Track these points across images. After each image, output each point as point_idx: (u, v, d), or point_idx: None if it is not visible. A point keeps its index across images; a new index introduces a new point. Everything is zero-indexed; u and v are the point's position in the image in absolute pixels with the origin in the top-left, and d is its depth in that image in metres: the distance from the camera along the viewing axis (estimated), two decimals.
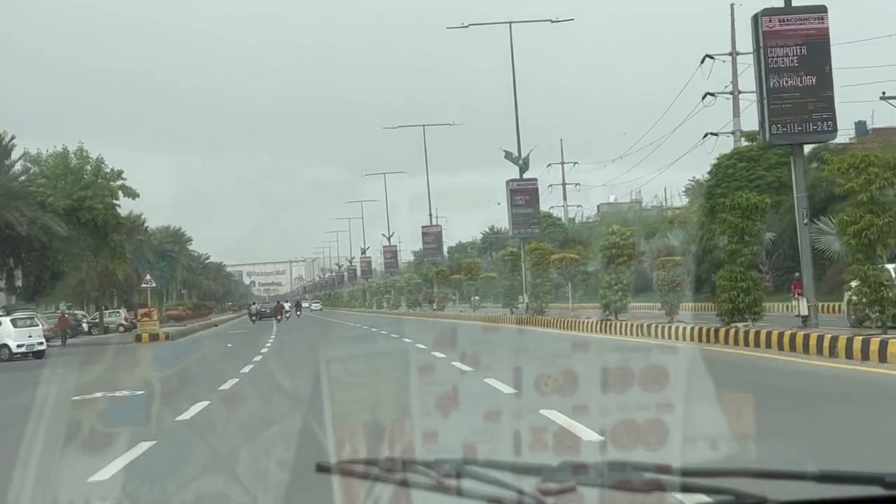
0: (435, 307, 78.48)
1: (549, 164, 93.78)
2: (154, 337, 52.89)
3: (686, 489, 2.47)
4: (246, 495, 6.84)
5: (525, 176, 57.94)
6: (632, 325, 32.85)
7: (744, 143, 62.18)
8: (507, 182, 57.92)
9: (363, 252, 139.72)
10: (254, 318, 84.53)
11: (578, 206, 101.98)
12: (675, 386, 4.76)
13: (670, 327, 29.45)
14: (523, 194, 57.89)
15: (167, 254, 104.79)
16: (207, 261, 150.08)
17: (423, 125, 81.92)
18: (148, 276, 60.70)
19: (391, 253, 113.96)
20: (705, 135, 63.52)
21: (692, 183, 76.81)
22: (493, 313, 59.32)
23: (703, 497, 2.44)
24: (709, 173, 61.97)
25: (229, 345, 41.92)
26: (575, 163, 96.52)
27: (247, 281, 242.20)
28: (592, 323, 36.97)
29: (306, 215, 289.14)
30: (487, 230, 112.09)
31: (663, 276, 33.63)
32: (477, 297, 75.28)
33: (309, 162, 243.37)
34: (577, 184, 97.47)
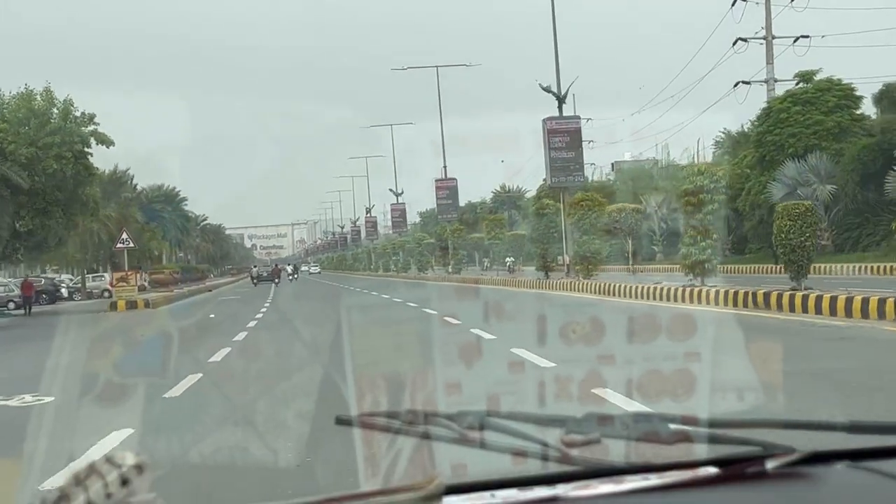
0: (450, 270, 70.80)
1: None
2: (132, 304, 46.81)
3: (713, 440, 2.44)
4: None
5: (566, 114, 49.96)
6: (743, 295, 25.00)
7: (789, 88, 57.39)
8: (544, 121, 49.15)
9: (368, 211, 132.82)
10: (255, 280, 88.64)
11: (592, 164, 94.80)
12: None
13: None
14: (563, 135, 49.30)
15: (158, 213, 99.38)
16: (205, 222, 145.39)
17: (437, 66, 76.80)
18: (125, 236, 52.85)
19: (399, 211, 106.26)
20: (736, 83, 58.72)
21: (723, 135, 73.72)
22: (525, 276, 52.38)
23: (730, 448, 2.41)
24: (757, 119, 57.67)
25: (212, 315, 36.16)
26: (588, 119, 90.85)
27: (248, 244, 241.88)
28: (673, 291, 29.44)
29: (310, 174, 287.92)
30: (499, 189, 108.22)
31: (788, 226, 25.18)
32: (511, 259, 68.54)
33: (313, 116, 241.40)
34: (589, 141, 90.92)
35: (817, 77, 56.48)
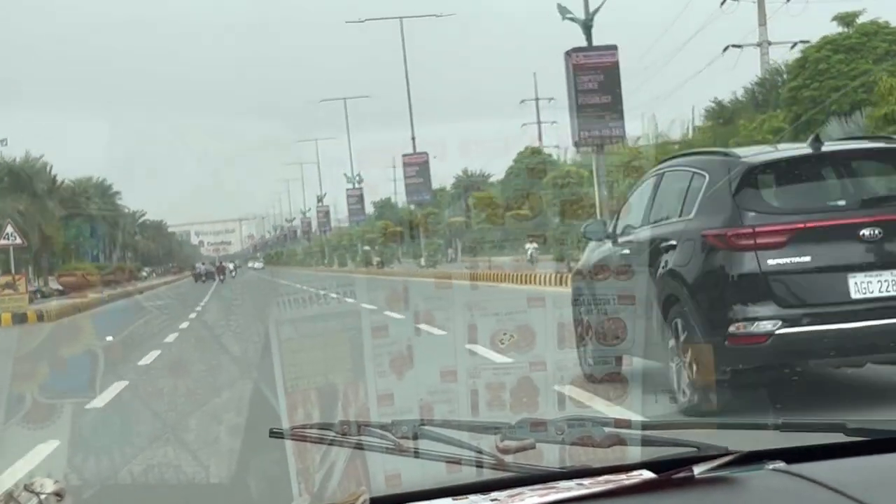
0: (423, 262, 57.73)
1: (523, 101, 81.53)
2: (20, 318, 35.84)
3: (646, 443, 2.45)
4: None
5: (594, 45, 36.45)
6: None
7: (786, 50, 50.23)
8: (567, 55, 36.35)
9: (320, 200, 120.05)
10: (202, 278, 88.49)
11: (556, 146, 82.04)
12: None
13: None
14: (595, 72, 36.29)
15: (82, 209, 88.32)
16: (143, 218, 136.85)
17: (400, 17, 65.28)
18: (9, 229, 41.58)
19: (356, 197, 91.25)
20: (726, 47, 52.42)
21: (713, 105, 65.57)
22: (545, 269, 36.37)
23: (664, 450, 2.42)
24: (789, 72, 48.76)
25: (109, 338, 24.39)
26: (551, 98, 78.38)
27: (195, 241, 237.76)
28: None
29: (256, 166, 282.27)
30: (460, 173, 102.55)
31: None
32: (535, 246, 50.31)
33: (257, 101, 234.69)
34: (553, 121, 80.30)
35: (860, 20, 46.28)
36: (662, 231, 8.94)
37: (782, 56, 52.94)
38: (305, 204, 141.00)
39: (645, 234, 9.32)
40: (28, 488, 1.77)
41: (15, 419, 8.97)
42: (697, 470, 2.28)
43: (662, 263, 8.58)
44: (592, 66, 36.41)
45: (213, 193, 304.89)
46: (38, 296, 51.77)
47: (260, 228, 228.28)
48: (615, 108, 36.91)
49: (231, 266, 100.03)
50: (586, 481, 2.28)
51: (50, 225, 66.03)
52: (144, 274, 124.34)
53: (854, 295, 7.89)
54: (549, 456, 2.54)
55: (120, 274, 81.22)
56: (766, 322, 7.79)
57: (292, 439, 2.91)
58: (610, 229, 10.38)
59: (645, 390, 4.07)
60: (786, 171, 8.79)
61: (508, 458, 2.47)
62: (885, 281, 7.96)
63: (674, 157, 11.03)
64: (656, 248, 8.80)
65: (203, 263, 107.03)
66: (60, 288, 58.82)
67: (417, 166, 65.70)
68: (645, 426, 2.53)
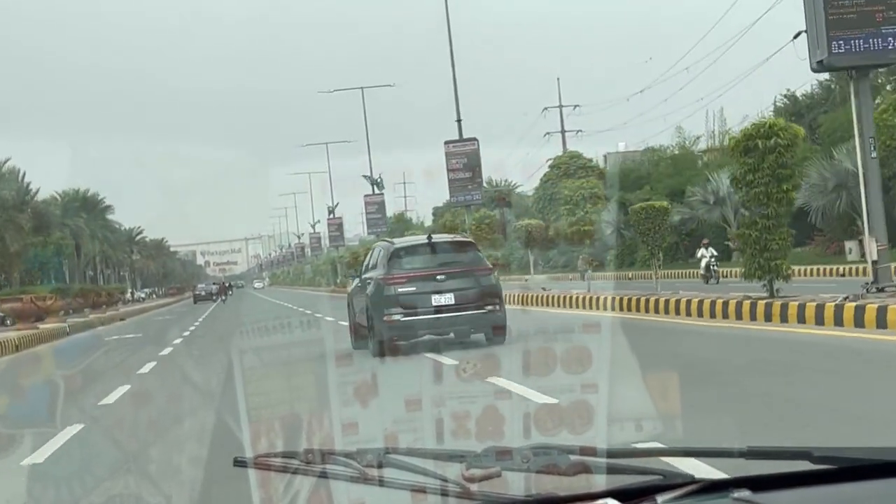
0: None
1: (546, 108, 78.29)
2: None
3: (612, 470, 2.44)
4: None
5: None
6: None
7: None
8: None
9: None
10: (199, 299, 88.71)
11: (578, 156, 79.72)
12: None
13: None
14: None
15: (62, 221, 79.97)
16: (140, 236, 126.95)
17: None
18: None
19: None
20: (797, 33, 50.36)
21: (785, 99, 58.34)
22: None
23: (629, 478, 2.41)
24: None
25: None
26: (575, 105, 78.95)
27: (200, 261, 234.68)
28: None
29: (261, 189, 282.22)
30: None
31: None
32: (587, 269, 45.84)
33: (255, 134, 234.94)
34: (578, 130, 79.38)
35: None
36: (369, 275, 18.92)
37: None
38: (298, 228, 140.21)
39: (366, 275, 19.25)
40: None
41: None
42: (661, 499, 2.27)
43: (368, 289, 18.24)
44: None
45: (219, 213, 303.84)
46: None
47: (266, 247, 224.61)
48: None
49: (214, 288, 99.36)
50: None
51: (16, 239, 58.87)
52: (143, 295, 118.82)
53: (434, 303, 17.41)
54: (515, 484, 2.53)
55: (94, 297, 66.54)
56: (397, 315, 17.29)
57: (256, 468, 2.89)
58: (358, 273, 21.48)
59: (611, 417, 4.05)
60: (410, 249, 18.99)
61: (474, 487, 2.45)
62: (446, 298, 17.40)
63: (381, 240, 24.76)
64: (367, 283, 18.67)
65: (204, 284, 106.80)
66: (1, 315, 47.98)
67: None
68: (610, 454, 2.52)
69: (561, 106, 78.57)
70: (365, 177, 75.04)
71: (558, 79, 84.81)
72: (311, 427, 4.17)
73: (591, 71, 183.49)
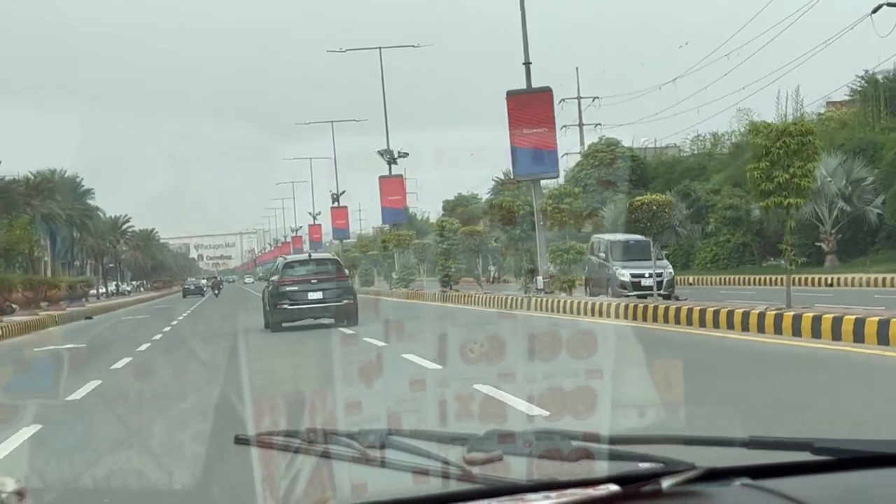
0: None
1: (563, 100, 69.16)
2: None
3: (614, 457, 2.44)
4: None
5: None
6: None
7: None
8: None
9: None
10: (189, 293, 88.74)
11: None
12: None
13: None
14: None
15: (27, 202, 72.15)
16: (127, 225, 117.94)
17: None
18: None
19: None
20: (877, 7, 39.19)
21: (861, 81, 53.46)
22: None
23: (631, 464, 2.41)
24: None
25: None
26: (595, 97, 73.50)
27: (194, 254, 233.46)
28: None
29: (260, 177, 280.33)
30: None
31: None
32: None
33: (254, 121, 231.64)
34: (597, 124, 73.24)
35: None
36: (272, 278, 28.18)
37: None
38: (296, 221, 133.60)
39: (271, 279, 28.99)
40: None
41: None
42: (665, 484, 2.27)
43: (269, 288, 27.89)
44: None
45: (215, 205, 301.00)
46: None
47: (262, 242, 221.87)
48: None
49: (205, 282, 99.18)
50: (553, 494, 2.27)
51: None
52: (128, 288, 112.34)
53: (310, 298, 26.46)
54: (517, 468, 2.53)
55: (46, 291, 58.71)
56: (286, 304, 26.35)
57: (258, 446, 2.89)
58: (266, 277, 36.73)
59: (614, 404, 4.06)
60: (296, 262, 28.67)
61: (475, 470, 2.46)
62: (317, 294, 26.76)
63: (281, 256, 35.08)
64: (270, 284, 28.24)
65: (194, 278, 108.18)
66: None
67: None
68: (612, 440, 2.52)
69: (579, 97, 74.38)
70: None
71: (577, 68, 77.23)
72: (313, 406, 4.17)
73: (611, 60, 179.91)
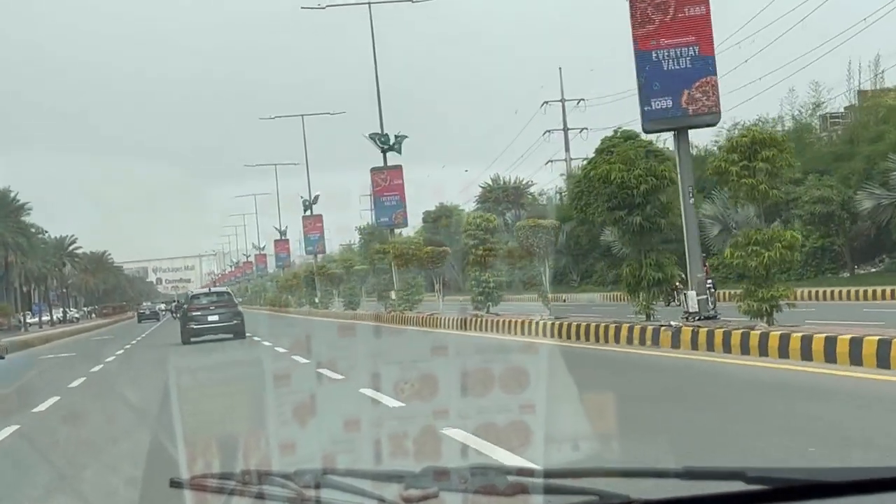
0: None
1: (546, 103, 68.44)
2: None
3: (549, 491, 2.45)
4: None
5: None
6: None
7: None
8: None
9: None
10: (144, 318, 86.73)
11: (585, 158, 56.23)
12: None
13: None
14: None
15: None
16: (73, 246, 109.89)
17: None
18: None
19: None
20: None
21: None
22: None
23: (566, 498, 2.42)
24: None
25: None
26: (580, 99, 69.18)
27: (152, 277, 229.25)
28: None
29: (212, 207, 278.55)
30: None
31: None
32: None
33: (199, 153, 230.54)
34: (583, 128, 68.02)
35: None
36: (185, 305, 40.99)
37: None
38: (247, 246, 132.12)
39: (183, 306, 43.47)
40: None
41: None
42: None
43: (181, 312, 41.40)
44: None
45: (171, 229, 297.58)
46: None
47: (221, 263, 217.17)
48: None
49: (162, 306, 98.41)
50: None
51: None
52: (77, 315, 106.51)
53: (209, 320, 36.28)
54: None
55: None
56: (192, 324, 36.22)
57: (192, 489, 2.86)
58: (180, 305, 58.72)
59: (548, 438, 4.07)
60: (201, 294, 40.65)
61: None
62: (215, 317, 36.36)
63: (190, 290, 65.25)
64: (181, 309, 44.53)
65: (150, 303, 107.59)
66: None
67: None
68: (548, 474, 2.53)
69: (563, 100, 69.09)
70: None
71: (560, 68, 70.41)
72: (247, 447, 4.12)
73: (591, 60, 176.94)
